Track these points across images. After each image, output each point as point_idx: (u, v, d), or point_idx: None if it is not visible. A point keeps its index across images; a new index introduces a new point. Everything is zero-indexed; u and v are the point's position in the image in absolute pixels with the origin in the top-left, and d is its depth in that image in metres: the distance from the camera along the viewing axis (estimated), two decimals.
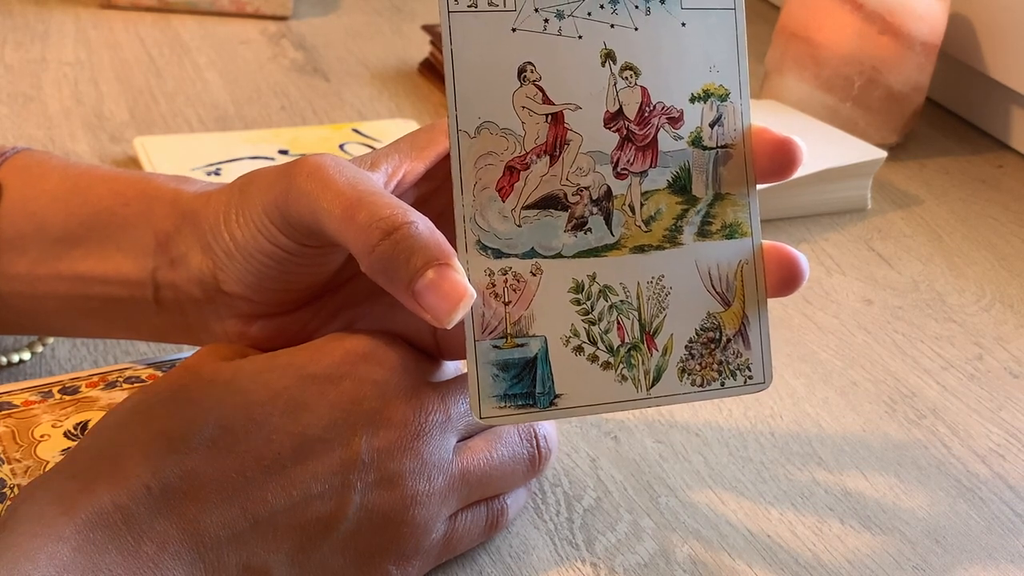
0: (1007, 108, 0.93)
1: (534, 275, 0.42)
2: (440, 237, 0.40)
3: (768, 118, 0.84)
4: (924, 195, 0.85)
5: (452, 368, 0.48)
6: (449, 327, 0.40)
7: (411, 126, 0.85)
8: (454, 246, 0.41)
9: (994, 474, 0.56)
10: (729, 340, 0.44)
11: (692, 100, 0.44)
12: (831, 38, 0.86)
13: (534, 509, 0.51)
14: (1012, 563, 0.50)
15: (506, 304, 0.42)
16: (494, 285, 0.41)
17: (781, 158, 0.44)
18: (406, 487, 0.43)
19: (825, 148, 0.80)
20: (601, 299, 0.43)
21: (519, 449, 0.47)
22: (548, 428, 0.49)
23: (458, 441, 0.46)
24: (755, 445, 0.56)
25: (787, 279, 0.45)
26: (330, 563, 0.43)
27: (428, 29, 1.01)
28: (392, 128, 0.84)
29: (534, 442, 0.48)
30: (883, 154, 0.80)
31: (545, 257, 0.42)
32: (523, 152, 0.42)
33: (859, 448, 0.57)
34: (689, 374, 0.44)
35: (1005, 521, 0.53)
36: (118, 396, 0.51)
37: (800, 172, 0.80)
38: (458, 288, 0.39)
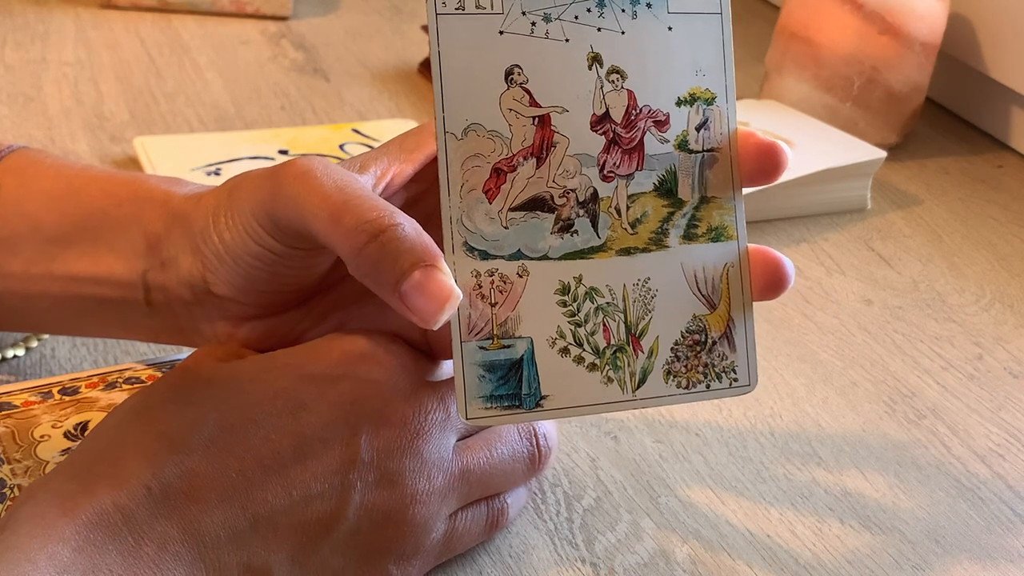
0: (1007, 108, 0.93)
1: (520, 277, 0.42)
2: (427, 239, 0.40)
3: (768, 118, 0.84)
4: (924, 195, 0.85)
5: (451, 367, 0.48)
6: (435, 328, 0.40)
7: (411, 126, 0.85)
8: (441, 248, 0.41)
9: (994, 474, 0.56)
10: (715, 342, 0.44)
11: (678, 104, 0.44)
12: (831, 38, 0.86)
13: (534, 509, 0.51)
14: (1012, 563, 0.50)
15: (492, 305, 0.42)
16: (480, 286, 0.41)
17: (766, 162, 0.44)
18: (406, 486, 0.43)
19: (825, 148, 0.80)
20: (587, 301, 0.43)
21: (519, 447, 0.47)
22: (548, 427, 0.49)
23: (458, 440, 0.46)
24: (755, 445, 0.56)
25: (772, 282, 0.45)
26: (330, 563, 0.43)
27: (428, 29, 1.01)
28: (392, 128, 0.84)
29: (534, 441, 0.48)
30: (883, 154, 0.80)
31: (531, 259, 0.42)
32: (510, 154, 0.42)
33: (859, 448, 0.57)
34: (675, 376, 0.44)
35: (1005, 521, 0.53)
36: (118, 397, 0.51)
37: (800, 172, 0.80)
38: (444, 289, 0.39)
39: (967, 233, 0.80)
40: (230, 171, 0.75)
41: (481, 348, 0.41)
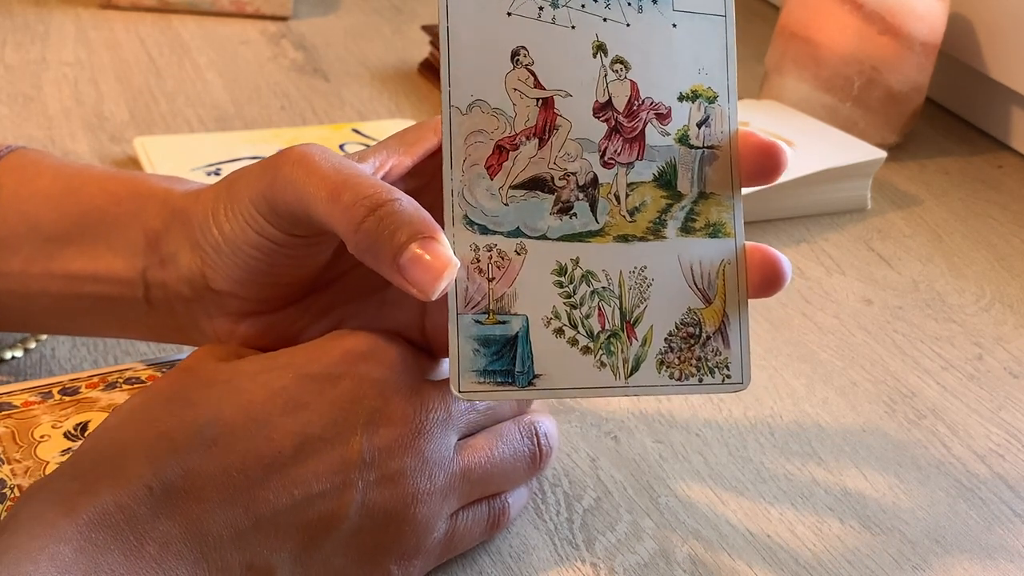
0: (1007, 108, 0.93)
1: (518, 254, 0.42)
2: (425, 213, 0.41)
3: (768, 118, 0.84)
4: (924, 195, 0.85)
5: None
6: (433, 299, 0.40)
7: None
8: (440, 223, 0.41)
9: (994, 474, 0.56)
10: (709, 337, 0.44)
11: (680, 99, 0.44)
12: (831, 38, 0.86)
13: (534, 509, 0.51)
14: (1012, 563, 0.50)
15: (490, 280, 0.42)
16: (479, 260, 0.42)
17: (766, 162, 0.45)
18: (407, 485, 0.43)
19: (825, 148, 0.80)
20: (583, 284, 0.43)
21: (520, 446, 0.47)
22: (549, 426, 0.49)
23: (459, 439, 0.46)
24: (755, 445, 0.56)
25: (769, 280, 0.45)
26: (332, 562, 0.43)
27: (428, 29, 1.01)
28: (392, 128, 0.84)
29: (535, 440, 0.48)
30: (883, 154, 0.80)
31: (530, 237, 0.43)
32: (513, 133, 0.43)
33: (859, 448, 0.57)
34: (667, 367, 0.44)
35: (1005, 521, 0.53)
36: (118, 397, 0.51)
37: (800, 172, 0.80)
38: (442, 259, 0.40)
39: (967, 233, 0.80)
40: (230, 171, 0.75)
41: (477, 322, 0.42)
